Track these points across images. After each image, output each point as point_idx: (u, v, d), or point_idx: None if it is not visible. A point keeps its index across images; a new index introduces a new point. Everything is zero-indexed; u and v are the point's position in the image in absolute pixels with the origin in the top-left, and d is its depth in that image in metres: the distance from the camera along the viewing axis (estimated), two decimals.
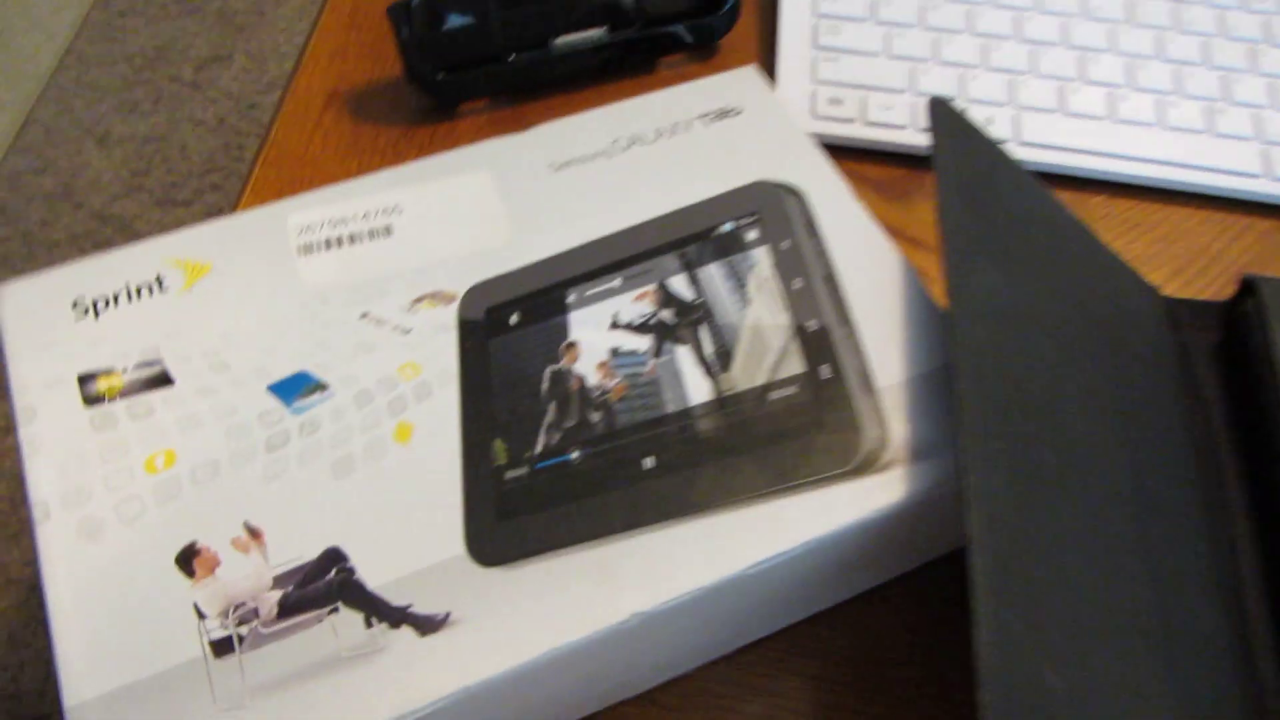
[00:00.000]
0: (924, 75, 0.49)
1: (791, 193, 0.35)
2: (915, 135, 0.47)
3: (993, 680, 0.24)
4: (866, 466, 0.29)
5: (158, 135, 1.63)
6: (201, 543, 0.27)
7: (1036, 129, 0.47)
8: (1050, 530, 0.28)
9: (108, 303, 0.31)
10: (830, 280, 0.33)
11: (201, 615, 0.26)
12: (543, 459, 0.29)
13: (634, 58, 0.48)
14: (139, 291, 0.32)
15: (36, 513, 0.27)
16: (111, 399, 0.29)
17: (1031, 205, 0.37)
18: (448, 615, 0.26)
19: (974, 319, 0.30)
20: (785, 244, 0.33)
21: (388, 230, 0.33)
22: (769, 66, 0.50)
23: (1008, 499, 0.28)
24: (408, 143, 0.46)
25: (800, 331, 0.31)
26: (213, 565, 0.27)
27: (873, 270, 0.33)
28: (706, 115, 0.37)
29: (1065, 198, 0.48)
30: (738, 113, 0.37)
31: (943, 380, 0.31)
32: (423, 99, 0.48)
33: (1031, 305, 0.33)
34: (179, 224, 1.49)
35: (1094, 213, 0.47)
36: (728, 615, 0.30)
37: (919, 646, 0.35)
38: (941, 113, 0.35)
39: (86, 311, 0.31)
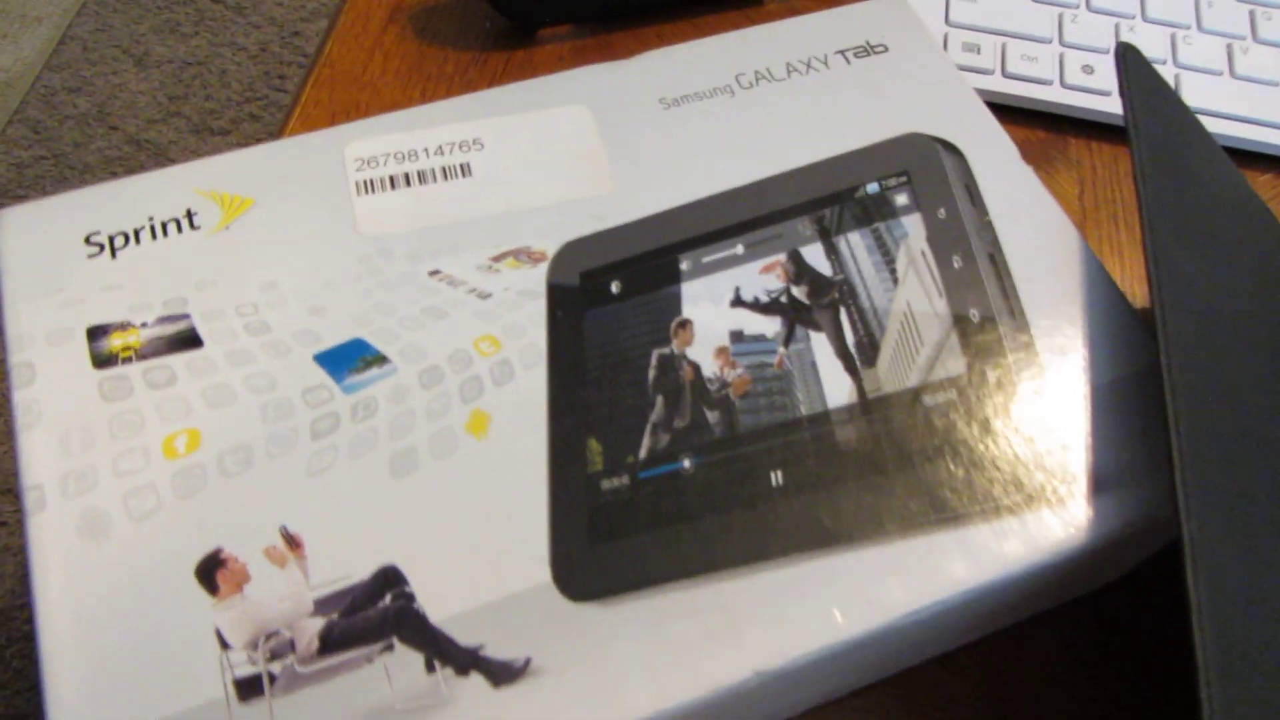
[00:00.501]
0: (1073, 24, 0.42)
1: (950, 150, 0.29)
2: (1061, 93, 0.40)
3: None
4: (1041, 497, 0.24)
5: (197, 59, 1.57)
6: (228, 551, 0.22)
7: (1199, 93, 0.41)
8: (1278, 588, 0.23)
9: (127, 239, 0.26)
10: (995, 261, 0.27)
11: (225, 644, 0.21)
12: (647, 466, 0.23)
13: None
14: (165, 228, 0.26)
15: (29, 499, 0.22)
16: (126, 360, 0.24)
17: (1225, 184, 0.31)
18: (528, 662, 0.21)
19: (1186, 321, 0.24)
20: (941, 212, 0.27)
21: (465, 169, 0.27)
22: None
23: (1236, 561, 0.22)
24: (479, 70, 0.41)
25: (960, 323, 0.26)
26: (240, 580, 0.21)
27: (1046, 251, 0.27)
28: (847, 50, 0.31)
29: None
30: (883, 50, 0.31)
31: (1133, 391, 0.25)
32: (498, 20, 0.42)
33: (1239, 305, 0.27)
34: (215, 152, 1.44)
35: (1262, 193, 0.40)
36: (856, 666, 0.25)
37: (1053, 693, 0.29)
38: (1134, 64, 0.29)
39: (102, 249, 0.26)
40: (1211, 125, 0.40)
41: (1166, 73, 0.41)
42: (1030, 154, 0.41)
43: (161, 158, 1.45)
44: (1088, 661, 0.30)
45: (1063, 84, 0.41)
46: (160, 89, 1.54)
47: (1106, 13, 0.42)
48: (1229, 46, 0.42)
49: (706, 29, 0.42)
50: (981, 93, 0.41)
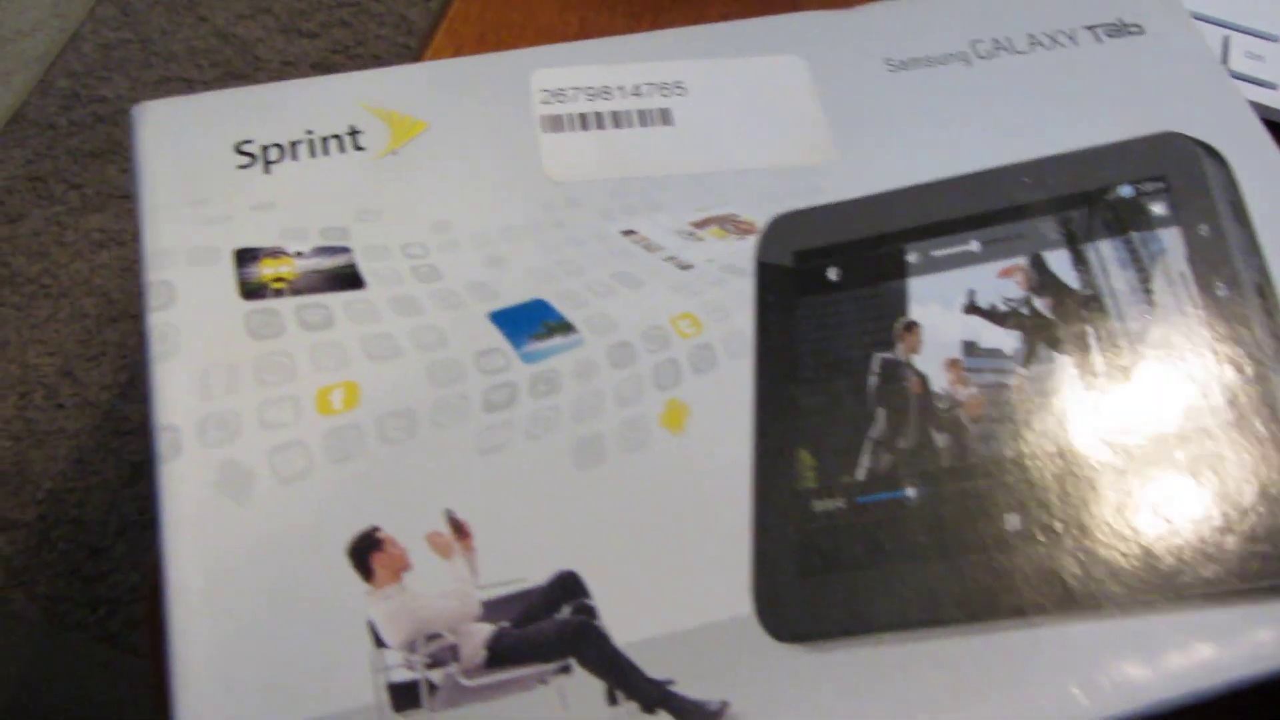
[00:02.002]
0: None
1: (1213, 156, 0.25)
2: None
3: None
4: None
5: None
6: (386, 531, 0.19)
7: None
8: None
9: (283, 152, 0.23)
10: (1264, 293, 0.23)
11: (379, 641, 0.18)
12: (867, 491, 0.20)
13: None
14: (325, 144, 0.23)
15: (162, 441, 0.19)
16: (278, 292, 0.21)
17: None
18: (724, 706, 0.18)
19: None
20: (1204, 229, 0.23)
21: (665, 115, 0.24)
22: None
23: None
24: (644, 1, 0.37)
25: (1226, 364, 0.22)
26: (399, 568, 0.18)
27: None
28: (1097, 27, 0.27)
29: None
30: (1138, 30, 0.27)
31: None
32: None
33: None
34: (302, 55, 1.41)
35: None
36: None
37: None
38: None
39: (253, 160, 0.23)
40: None
41: None
42: None
43: (248, 54, 1.42)
44: None
45: None
46: None
47: None
48: None
49: None
50: (1260, 109, 0.36)
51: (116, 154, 1.32)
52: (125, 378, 1.17)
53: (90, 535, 1.09)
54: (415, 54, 0.36)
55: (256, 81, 1.35)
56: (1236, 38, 0.37)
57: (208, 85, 1.38)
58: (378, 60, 1.40)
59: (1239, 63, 0.36)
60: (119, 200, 1.28)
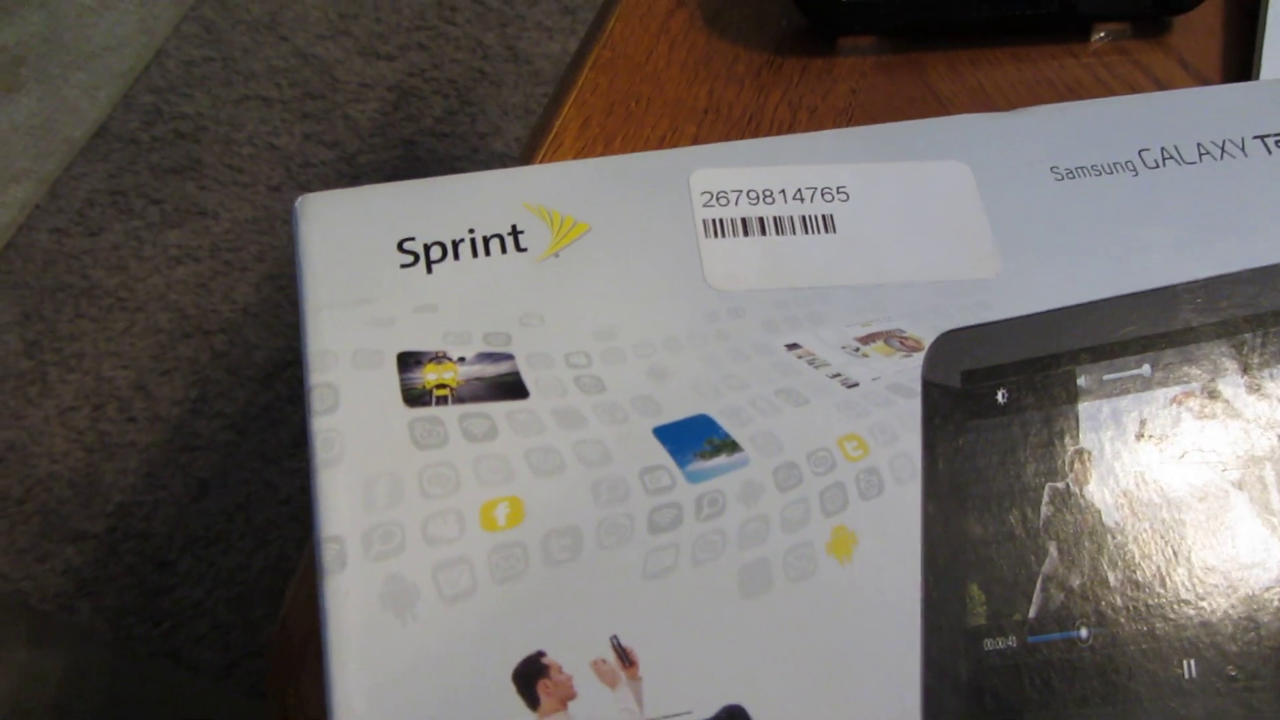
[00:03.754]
0: None
1: None
2: None
3: None
4: None
5: None
6: (551, 656, 0.19)
7: None
8: None
9: (444, 252, 0.23)
10: None
11: None
12: (1039, 630, 0.19)
13: (1067, 16, 0.37)
14: (487, 244, 0.23)
15: (327, 553, 0.19)
16: (441, 400, 0.21)
17: None
18: None
19: None
20: None
21: (829, 223, 0.24)
22: (1240, 61, 0.38)
23: None
24: (771, 75, 0.36)
25: None
26: (565, 695, 0.18)
27: None
28: (1268, 136, 0.26)
29: None
30: None
31: None
32: (795, 19, 0.38)
33: None
34: (380, 78, 1.43)
35: None
36: None
37: None
38: None
39: (416, 259, 0.22)
40: None
41: None
42: None
43: (326, 75, 1.44)
44: None
45: None
46: (332, 5, 1.53)
47: None
48: None
49: (1027, 61, 0.37)
50: None
51: (196, 171, 1.34)
52: (195, 393, 1.19)
53: (157, 549, 1.11)
54: (545, 117, 0.36)
55: (334, 101, 1.36)
56: None
57: (286, 105, 1.40)
58: (454, 85, 1.41)
59: None
60: (196, 217, 1.30)
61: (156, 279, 1.26)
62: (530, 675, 0.18)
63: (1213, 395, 0.22)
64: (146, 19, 1.50)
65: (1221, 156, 0.25)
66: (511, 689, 0.18)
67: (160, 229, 1.29)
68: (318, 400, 0.21)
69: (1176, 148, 0.25)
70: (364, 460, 0.20)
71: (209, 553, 1.10)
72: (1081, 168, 0.25)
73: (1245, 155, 0.26)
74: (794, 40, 0.37)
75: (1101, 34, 0.38)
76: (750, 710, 0.18)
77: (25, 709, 0.54)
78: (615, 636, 0.19)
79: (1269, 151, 0.26)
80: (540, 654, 0.19)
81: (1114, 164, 0.25)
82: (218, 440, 1.16)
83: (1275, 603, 0.20)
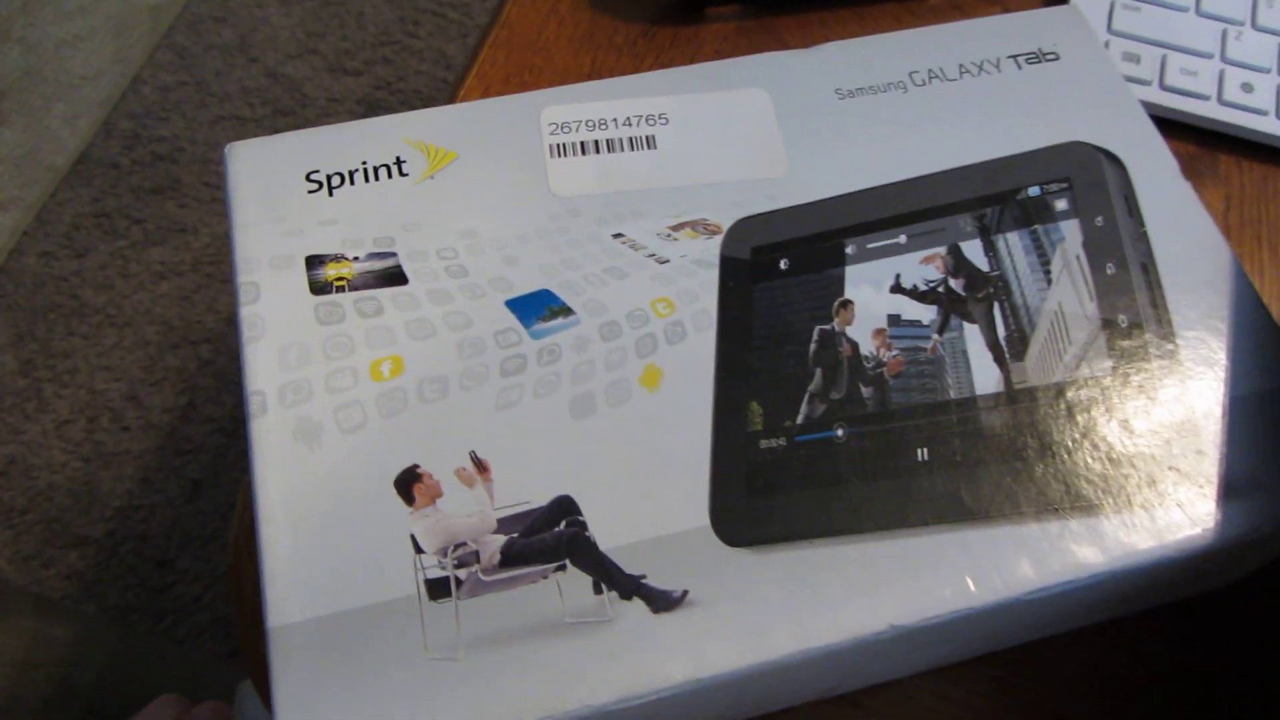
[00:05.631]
0: (1236, 41, 0.42)
1: (1112, 160, 0.30)
2: (1218, 109, 0.41)
3: None
4: (1172, 495, 0.25)
5: None
6: (424, 467, 0.24)
7: None
8: None
9: (343, 179, 0.28)
10: (1148, 270, 0.28)
11: (418, 549, 0.23)
12: (804, 432, 0.25)
13: None
14: (377, 172, 0.29)
15: (252, 404, 0.25)
16: (339, 289, 0.27)
17: None
18: (685, 594, 0.23)
19: None
20: (1099, 220, 0.28)
21: (650, 141, 0.29)
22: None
23: None
24: (647, 43, 0.42)
25: (1109, 326, 0.27)
26: (434, 495, 0.24)
27: (1198, 265, 0.28)
28: (1019, 56, 0.32)
29: None
30: (1055, 58, 0.32)
31: (1270, 405, 0.26)
32: None
33: None
34: (348, 92, 1.49)
35: None
36: (976, 634, 0.26)
37: (1151, 687, 0.30)
38: None
39: (321, 186, 0.28)
40: None
41: None
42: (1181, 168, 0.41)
43: (296, 92, 1.50)
44: (1192, 660, 0.31)
45: (1220, 100, 0.41)
46: (300, 25, 1.59)
47: (1272, 32, 0.42)
48: None
49: (870, 20, 0.43)
50: (1195, 118, 0.41)
51: (175, 190, 1.40)
52: (185, 401, 1.24)
53: (156, 549, 1.16)
54: (453, 90, 0.42)
55: (305, 118, 1.42)
56: (1174, 56, 0.42)
57: (259, 123, 1.46)
58: (419, 94, 1.47)
59: (1175, 78, 0.41)
60: (178, 234, 1.36)
61: (142, 295, 1.32)
62: (407, 481, 0.24)
63: (955, 254, 0.28)
64: (121, 49, 1.55)
65: (979, 74, 0.31)
66: (393, 492, 0.24)
67: (144, 247, 1.35)
68: (244, 295, 0.26)
69: (941, 69, 0.31)
70: (280, 335, 0.26)
71: (205, 550, 1.16)
72: (861, 89, 0.31)
73: (999, 71, 0.31)
74: (667, 12, 0.43)
75: None
76: (577, 498, 0.24)
77: (33, 665, 0.60)
78: (473, 451, 0.25)
79: (1019, 68, 0.32)
80: (415, 466, 0.24)
81: (888, 84, 0.31)
82: (208, 443, 1.22)
83: (992, 404, 0.26)
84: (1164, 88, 0.41)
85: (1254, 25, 0.43)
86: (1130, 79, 0.41)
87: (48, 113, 1.47)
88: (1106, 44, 0.42)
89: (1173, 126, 0.42)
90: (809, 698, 0.29)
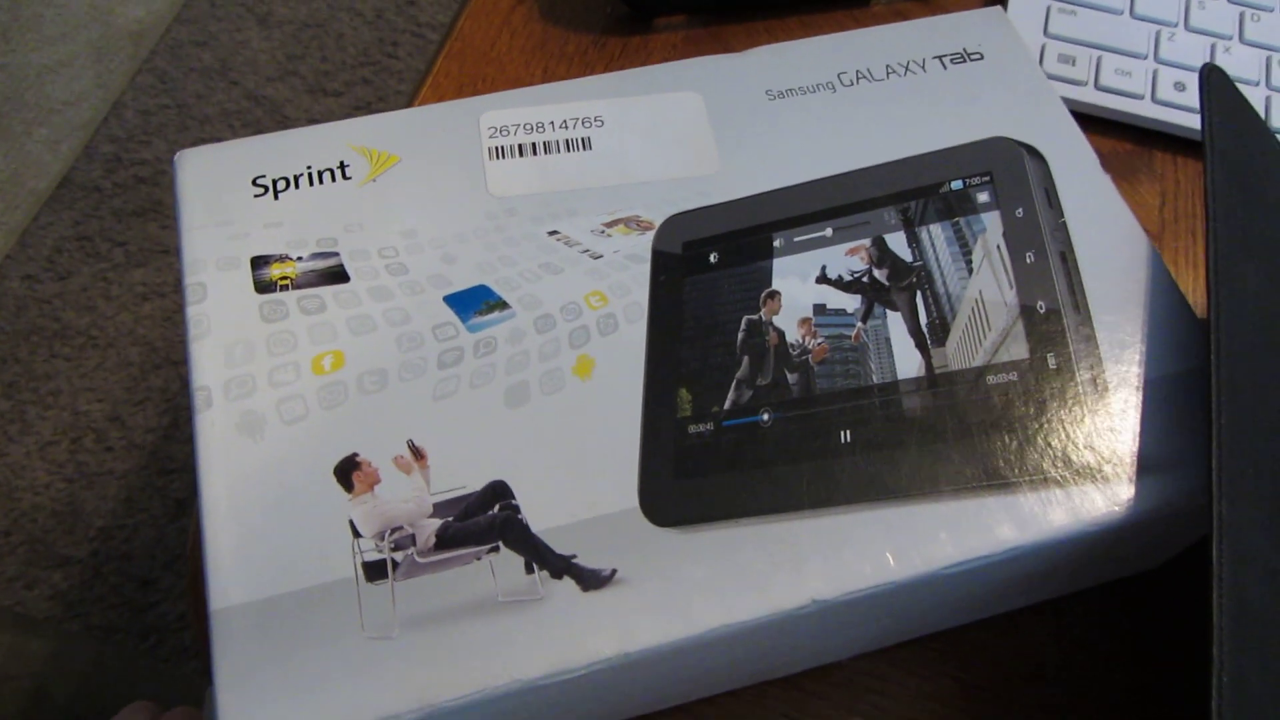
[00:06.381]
0: (1170, 42, 0.43)
1: (1033, 154, 0.31)
2: (1151, 108, 0.42)
3: None
4: (1088, 473, 0.26)
5: (316, 21, 1.64)
6: (363, 456, 0.25)
7: None
8: None
9: (288, 183, 0.29)
10: (1066, 259, 0.29)
11: (356, 534, 0.24)
12: (730, 417, 0.26)
13: None
14: (321, 176, 0.30)
15: (197, 399, 0.26)
16: (284, 288, 0.28)
17: None
18: (614, 573, 0.24)
19: (1240, 327, 0.26)
20: (1019, 211, 0.30)
21: (586, 143, 0.30)
22: None
23: (1259, 536, 0.24)
24: (597, 52, 0.44)
25: (1027, 312, 0.28)
26: (372, 482, 0.25)
27: (1116, 254, 0.29)
28: (944, 56, 0.33)
29: None
30: (979, 57, 0.33)
31: (1183, 387, 0.27)
32: (618, 6, 0.45)
33: None
34: (328, 114, 1.50)
35: None
36: (903, 612, 0.27)
37: (1084, 667, 0.31)
38: (1218, 84, 0.31)
39: (266, 190, 0.29)
40: None
41: (1259, 95, 0.42)
42: (1116, 165, 0.42)
43: (277, 114, 1.51)
44: (1124, 641, 0.32)
45: (1154, 99, 0.42)
46: (280, 48, 1.60)
47: (1204, 33, 0.44)
48: None
49: (813, 27, 0.45)
50: (1073, 104, 0.42)
51: (157, 212, 1.41)
52: (168, 420, 1.25)
53: (139, 568, 1.16)
54: (409, 100, 0.43)
55: None
56: (1108, 57, 0.43)
57: None
58: None
59: (1109, 79, 0.43)
60: (160, 255, 1.37)
61: (125, 316, 1.33)
62: (347, 469, 0.25)
63: (880, 246, 0.29)
64: (102, 74, 1.57)
65: (905, 74, 0.33)
66: (333, 480, 0.25)
67: (126, 269, 1.36)
68: (191, 295, 0.27)
69: (869, 69, 0.33)
70: (225, 333, 0.27)
71: (188, 569, 1.16)
72: (790, 90, 0.32)
73: (925, 71, 0.33)
74: (617, 23, 0.44)
75: (879, 2, 0.45)
76: (511, 483, 0.25)
77: (9, 676, 0.60)
78: (411, 439, 0.25)
79: (944, 68, 0.33)
80: (354, 455, 0.25)
81: (817, 85, 0.32)
82: (191, 463, 1.22)
83: (913, 387, 0.27)
84: (1099, 88, 0.42)
85: (1186, 26, 0.44)
86: (1066, 80, 0.43)
87: (29, 138, 1.48)
88: (1043, 47, 0.43)
89: (1109, 125, 0.43)
90: (749, 680, 0.30)
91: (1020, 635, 0.32)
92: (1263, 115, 0.42)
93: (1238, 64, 0.43)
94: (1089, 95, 0.42)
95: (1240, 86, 0.43)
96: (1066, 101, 0.42)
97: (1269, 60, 0.43)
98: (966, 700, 0.31)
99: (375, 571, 0.24)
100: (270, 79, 1.58)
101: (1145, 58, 0.43)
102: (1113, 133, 0.43)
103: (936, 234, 0.29)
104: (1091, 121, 0.43)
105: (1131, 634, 0.32)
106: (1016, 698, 0.31)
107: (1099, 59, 0.43)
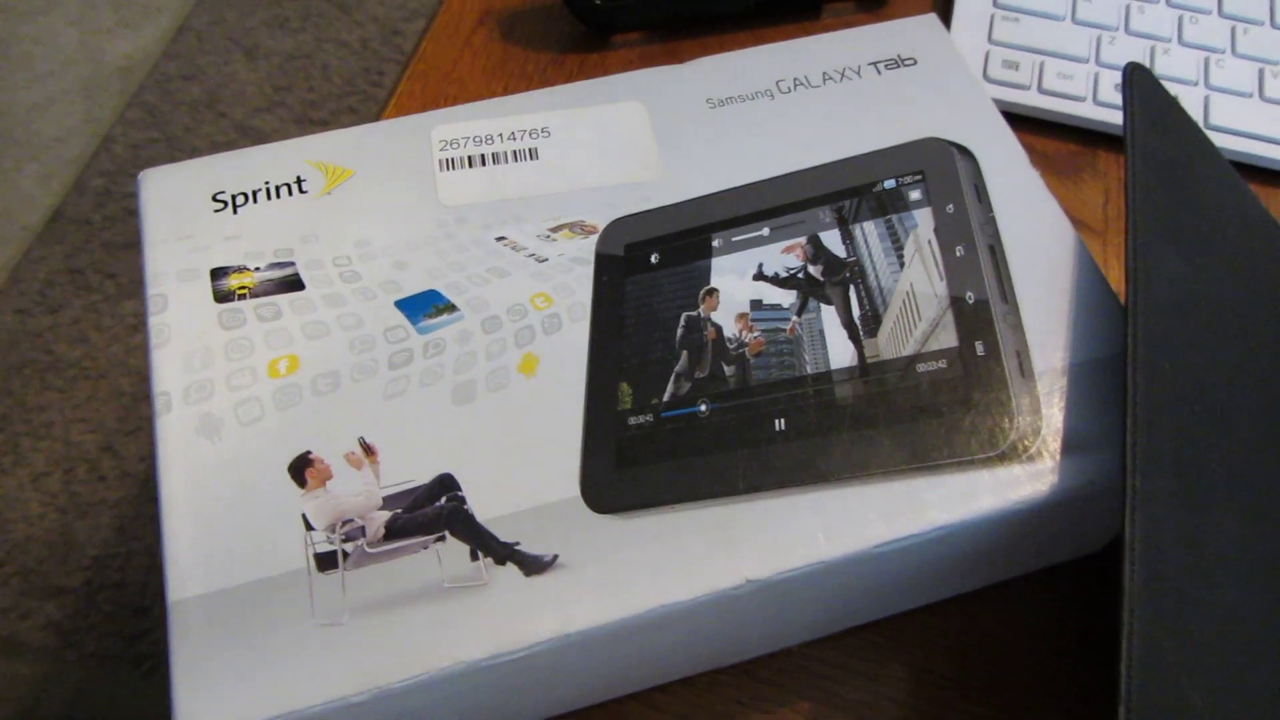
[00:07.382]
0: (1110, 45, 0.45)
1: (963, 153, 0.32)
2: (1093, 109, 0.43)
3: (1136, 699, 0.22)
4: (1014, 454, 0.27)
5: (303, 53, 1.66)
6: (316, 453, 0.26)
7: (1228, 113, 0.43)
8: (1214, 546, 0.26)
9: (247, 199, 0.31)
10: (995, 251, 0.30)
11: (309, 527, 0.25)
12: (669, 408, 0.27)
13: (800, 0, 0.46)
14: (278, 190, 0.31)
15: (158, 404, 0.27)
16: (241, 297, 0.29)
17: (1227, 195, 0.34)
18: (555, 558, 0.25)
19: (1156, 310, 0.28)
20: (949, 207, 0.31)
21: (533, 153, 0.32)
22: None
23: (1172, 507, 0.25)
24: (556, 69, 0.45)
25: (956, 303, 0.29)
26: (324, 477, 0.26)
27: (1043, 246, 0.30)
28: (879, 63, 0.34)
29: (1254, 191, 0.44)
30: (913, 63, 0.34)
31: (1107, 371, 0.28)
32: (576, 25, 0.46)
33: (1219, 303, 0.30)
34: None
35: None
36: (842, 594, 0.28)
37: (1031, 650, 0.32)
38: (1141, 81, 0.32)
39: (225, 205, 0.31)
40: (1241, 145, 0.43)
41: (1198, 94, 0.44)
42: (1060, 165, 0.44)
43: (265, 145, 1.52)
44: (1066, 624, 0.33)
45: (1095, 101, 0.44)
46: (267, 80, 1.62)
47: (1143, 36, 0.45)
48: (1260, 71, 0.44)
49: (765, 39, 0.46)
50: (1018, 107, 0.44)
51: None
52: None
53: (132, 597, 1.17)
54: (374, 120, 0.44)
55: None
56: (1051, 62, 0.45)
57: None
58: None
59: (1052, 82, 0.44)
60: None
61: (116, 347, 1.34)
62: (300, 466, 0.26)
63: (815, 243, 0.30)
64: (91, 109, 1.58)
65: (841, 80, 0.34)
66: (287, 476, 0.26)
67: (117, 300, 1.37)
68: (153, 305, 0.29)
69: (806, 77, 0.34)
70: (185, 341, 0.28)
71: None
72: (730, 98, 0.33)
73: (860, 77, 0.34)
74: (575, 41, 0.46)
75: (830, 13, 0.47)
76: (458, 476, 0.26)
77: None
78: (361, 436, 0.27)
79: (879, 73, 0.34)
80: (308, 452, 0.26)
81: (756, 92, 0.33)
82: (151, 466, 1.23)
83: (846, 377, 0.28)
84: (1042, 91, 0.44)
85: (1126, 30, 0.45)
86: (1010, 84, 0.44)
87: (20, 174, 1.50)
88: (987, 53, 0.45)
89: (1053, 127, 0.44)
90: (701, 666, 0.31)
91: (969, 619, 0.33)
92: (1201, 114, 0.43)
93: (1176, 65, 0.44)
94: (1033, 99, 0.44)
95: (1180, 87, 0.44)
96: (1011, 105, 0.44)
97: (1207, 61, 0.45)
98: (918, 684, 0.32)
99: (327, 562, 0.25)
100: (258, 110, 1.59)
101: (1087, 61, 0.45)
102: (1057, 134, 0.44)
103: (870, 231, 0.30)
104: (1036, 124, 0.44)
105: (1081, 616, 0.33)
106: (967, 681, 0.32)
107: (1042, 63, 0.44)
